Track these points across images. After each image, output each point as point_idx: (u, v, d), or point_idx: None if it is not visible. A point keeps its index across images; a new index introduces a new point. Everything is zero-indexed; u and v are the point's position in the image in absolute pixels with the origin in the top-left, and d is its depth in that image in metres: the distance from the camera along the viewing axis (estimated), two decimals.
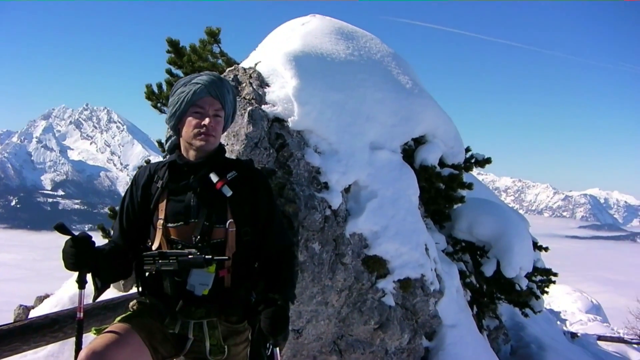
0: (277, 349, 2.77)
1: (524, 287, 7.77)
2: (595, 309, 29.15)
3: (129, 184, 2.86)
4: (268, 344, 2.70)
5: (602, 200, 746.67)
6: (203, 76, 2.71)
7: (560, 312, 25.77)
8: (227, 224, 2.62)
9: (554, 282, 10.15)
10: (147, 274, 2.70)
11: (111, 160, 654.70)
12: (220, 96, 2.68)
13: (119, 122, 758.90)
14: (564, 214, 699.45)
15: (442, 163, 6.61)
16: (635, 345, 20.95)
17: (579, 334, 18.12)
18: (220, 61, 7.93)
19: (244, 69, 5.09)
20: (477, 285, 8.01)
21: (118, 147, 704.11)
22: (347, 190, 4.98)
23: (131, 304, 2.77)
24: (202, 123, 2.61)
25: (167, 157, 2.88)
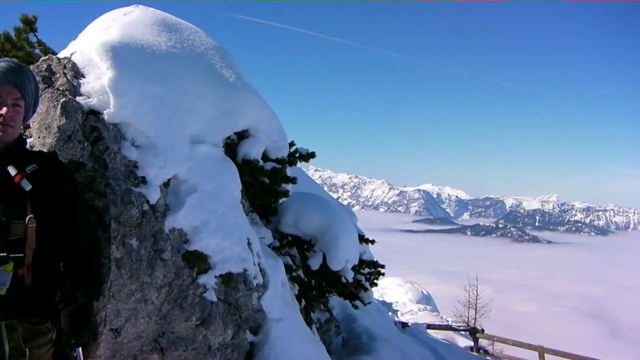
0: (80, 349, 2.80)
1: (350, 280, 8.20)
2: (426, 299, 31.31)
3: None
4: (72, 344, 2.73)
5: (434, 195, 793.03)
6: (1, 63, 2.66)
7: (392, 303, 27.39)
8: (27, 219, 2.60)
9: (382, 274, 10.75)
10: None
11: None
12: (19, 85, 2.65)
13: None
14: (399, 208, 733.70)
15: (265, 157, 6.84)
16: (462, 332, 22.74)
17: (409, 324, 19.38)
18: (37, 50, 7.68)
19: (59, 59, 5.01)
20: (305, 279, 8.35)
21: None
22: (166, 184, 5.07)
23: None
24: (0, 113, 2.58)
25: None
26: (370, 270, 10.27)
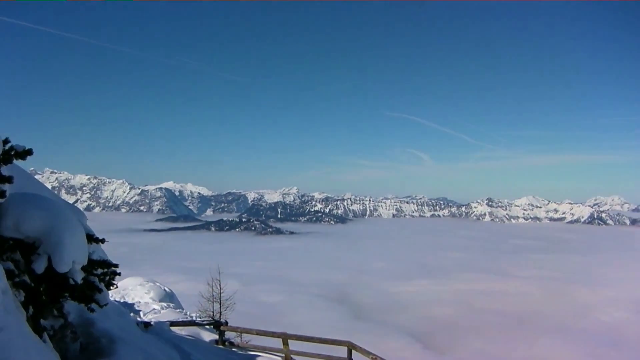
0: None
1: (80, 281, 8.13)
2: (169, 297, 31.53)
3: None
4: None
5: (177, 193, 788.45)
6: None
7: (134, 304, 27.22)
8: None
9: (118, 274, 10.74)
10: None
11: None
12: None
13: None
14: (141, 208, 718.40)
15: None
16: (206, 327, 23.29)
17: (152, 323, 19.46)
18: None
19: None
20: (32, 284, 8.11)
21: None
22: None
23: None
24: None
25: None
26: (104, 270, 10.21)
